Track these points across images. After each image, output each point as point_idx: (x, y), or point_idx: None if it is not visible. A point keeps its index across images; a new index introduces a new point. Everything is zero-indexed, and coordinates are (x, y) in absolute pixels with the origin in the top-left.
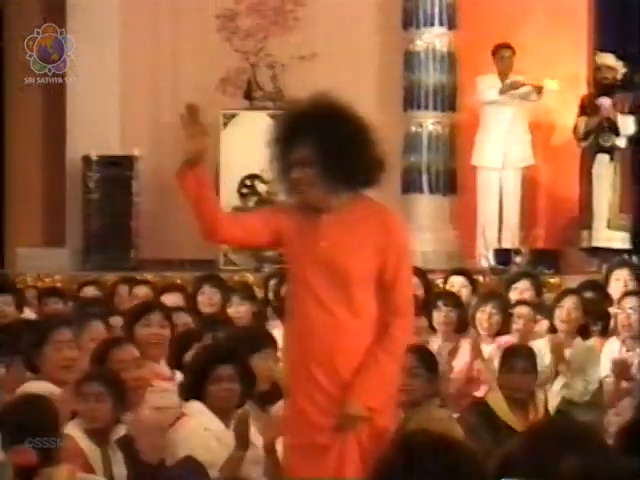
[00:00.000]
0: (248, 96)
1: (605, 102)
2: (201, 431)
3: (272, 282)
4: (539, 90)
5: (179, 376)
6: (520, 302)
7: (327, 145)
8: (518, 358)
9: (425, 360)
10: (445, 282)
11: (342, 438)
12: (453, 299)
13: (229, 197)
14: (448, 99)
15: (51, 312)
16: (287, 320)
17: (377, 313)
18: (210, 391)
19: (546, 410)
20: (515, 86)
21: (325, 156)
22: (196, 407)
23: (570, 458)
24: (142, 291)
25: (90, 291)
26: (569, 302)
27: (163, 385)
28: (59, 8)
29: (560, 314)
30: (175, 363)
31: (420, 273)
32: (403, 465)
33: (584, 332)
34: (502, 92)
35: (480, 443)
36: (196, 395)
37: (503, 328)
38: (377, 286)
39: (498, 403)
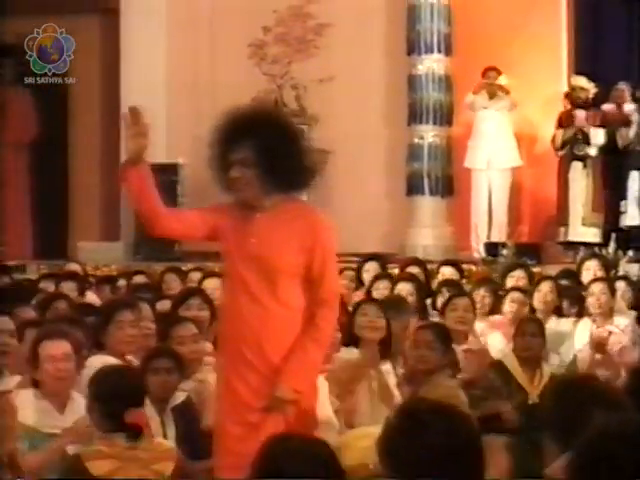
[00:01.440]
0: None
1: (580, 114)
2: None
3: None
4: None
5: None
6: (514, 288)
7: (265, 149)
8: (529, 325)
9: (440, 335)
10: (437, 271)
11: (272, 417)
12: (454, 285)
13: None
14: (445, 115)
15: (111, 297)
16: (221, 310)
17: (304, 304)
18: None
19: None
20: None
21: (262, 159)
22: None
23: (600, 413)
24: (193, 277)
25: (140, 279)
26: (545, 287)
27: (207, 359)
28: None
29: (538, 297)
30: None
31: (420, 263)
32: (407, 428)
33: (559, 313)
34: (475, 92)
35: (497, 395)
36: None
37: (495, 309)
38: (305, 281)
39: (512, 363)
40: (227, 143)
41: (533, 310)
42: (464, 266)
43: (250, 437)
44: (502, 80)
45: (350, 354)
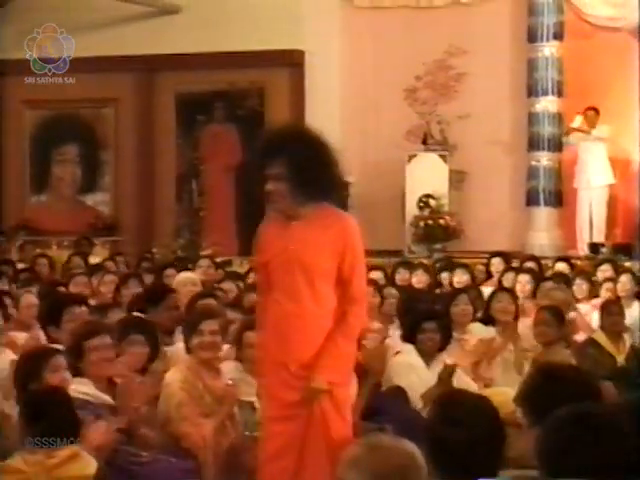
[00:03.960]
0: (424, 142)
1: None
2: (407, 366)
3: (438, 265)
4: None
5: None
6: (606, 279)
7: (297, 164)
8: (613, 306)
9: (555, 315)
10: (552, 266)
11: (308, 409)
12: (563, 277)
13: (411, 209)
14: (557, 144)
15: None
16: (262, 310)
17: (336, 303)
18: (419, 338)
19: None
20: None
21: (293, 173)
22: (408, 348)
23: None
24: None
25: None
26: (625, 278)
27: (374, 336)
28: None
29: (620, 286)
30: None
31: (536, 259)
32: (545, 384)
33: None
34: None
35: (593, 365)
36: (410, 340)
37: (592, 294)
38: (336, 281)
39: (602, 338)
40: (263, 159)
41: (618, 296)
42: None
43: (288, 428)
44: (600, 117)
45: (485, 331)
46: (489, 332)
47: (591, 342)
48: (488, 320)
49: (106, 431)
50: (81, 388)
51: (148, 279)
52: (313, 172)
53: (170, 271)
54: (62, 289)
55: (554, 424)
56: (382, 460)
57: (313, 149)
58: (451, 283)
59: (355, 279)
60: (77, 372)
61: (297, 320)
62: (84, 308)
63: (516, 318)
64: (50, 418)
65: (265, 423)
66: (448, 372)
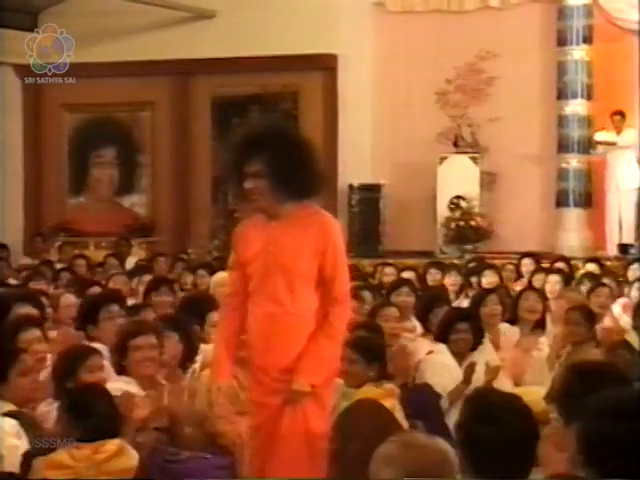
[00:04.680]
0: (455, 145)
1: None
2: (440, 365)
3: (470, 265)
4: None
5: (419, 328)
6: (637, 279)
7: (277, 161)
8: None
9: (586, 315)
10: (582, 266)
11: (287, 412)
12: (593, 277)
13: (442, 210)
14: (586, 146)
15: None
16: (229, 312)
17: (318, 304)
18: (451, 338)
19: None
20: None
21: (275, 170)
22: (441, 347)
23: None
24: (389, 270)
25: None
26: None
27: (409, 335)
28: None
29: None
30: (421, 319)
31: (566, 259)
32: (580, 383)
33: None
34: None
35: (625, 366)
36: (443, 340)
37: (620, 294)
38: (318, 282)
39: (633, 338)
40: (241, 156)
41: None
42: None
43: (268, 430)
44: (626, 120)
45: (512, 331)
46: (516, 332)
47: (622, 343)
48: (515, 320)
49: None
50: (124, 386)
51: (188, 279)
52: (294, 170)
53: (202, 271)
54: (99, 289)
55: (596, 415)
56: (416, 457)
57: (294, 146)
58: (480, 284)
59: (337, 279)
60: (121, 370)
61: (277, 323)
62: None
63: (543, 317)
64: (94, 413)
65: (252, 433)
66: (471, 371)
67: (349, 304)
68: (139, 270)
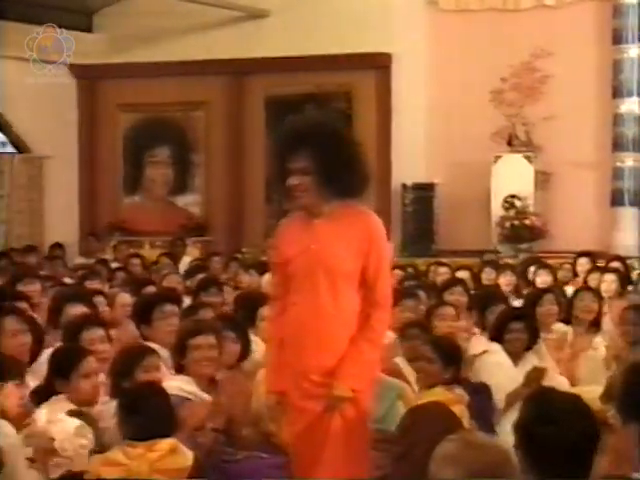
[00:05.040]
0: (509, 144)
1: None
2: (495, 365)
3: (527, 265)
4: None
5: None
6: None
7: (323, 158)
8: None
9: None
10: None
11: (328, 417)
12: None
13: (497, 210)
14: None
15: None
16: (276, 314)
17: (359, 307)
18: (506, 338)
19: None
20: None
21: (321, 167)
22: (496, 347)
23: None
24: (443, 270)
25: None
26: None
27: (464, 334)
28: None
29: None
30: (478, 318)
31: (621, 259)
32: (638, 381)
33: None
34: None
35: None
36: (498, 339)
37: None
38: (360, 283)
39: None
40: (286, 152)
41: None
42: None
43: (307, 437)
44: None
45: (567, 331)
46: (571, 332)
47: None
48: (570, 320)
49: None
50: (183, 386)
51: (243, 278)
52: (340, 167)
53: (252, 271)
54: (154, 288)
55: None
56: (477, 456)
57: (341, 143)
58: (534, 283)
59: (380, 281)
60: (180, 369)
61: (318, 324)
62: (175, 306)
63: (599, 317)
64: (147, 412)
65: (292, 438)
66: (537, 375)
67: (390, 308)
68: (194, 269)
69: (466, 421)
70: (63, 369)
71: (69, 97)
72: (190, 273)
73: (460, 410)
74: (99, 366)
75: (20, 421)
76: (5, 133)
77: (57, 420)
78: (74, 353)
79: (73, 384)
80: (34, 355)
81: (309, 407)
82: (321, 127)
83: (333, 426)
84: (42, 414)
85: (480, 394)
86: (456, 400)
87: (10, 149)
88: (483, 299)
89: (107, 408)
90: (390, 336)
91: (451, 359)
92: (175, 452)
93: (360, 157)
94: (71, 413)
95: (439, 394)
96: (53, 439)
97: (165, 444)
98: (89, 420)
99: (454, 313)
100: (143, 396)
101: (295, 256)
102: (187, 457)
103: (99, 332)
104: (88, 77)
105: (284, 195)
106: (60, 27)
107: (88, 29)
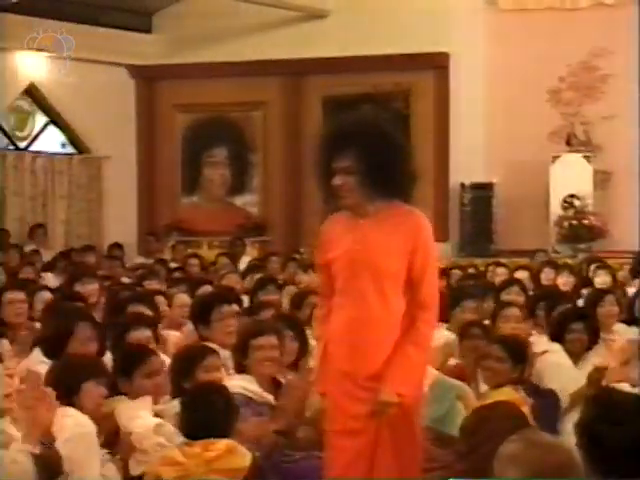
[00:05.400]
0: (568, 143)
1: None
2: (556, 365)
3: (588, 265)
4: None
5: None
6: None
7: (368, 157)
8: None
9: None
10: None
11: (375, 422)
12: None
13: (555, 209)
14: None
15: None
16: (324, 316)
17: (405, 308)
18: (567, 338)
19: None
20: None
21: (365, 167)
22: (555, 347)
23: None
24: (501, 270)
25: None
26: None
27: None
28: None
29: None
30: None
31: None
32: None
33: None
34: None
35: None
36: (558, 339)
37: None
38: (406, 284)
39: None
40: (330, 151)
41: None
42: None
43: (354, 445)
44: None
45: (629, 331)
46: (633, 332)
47: None
48: (632, 320)
49: (259, 427)
50: (246, 385)
51: (302, 278)
52: (385, 167)
53: (311, 271)
54: (211, 288)
55: None
56: (541, 457)
57: (386, 142)
58: (592, 283)
59: (425, 281)
60: (242, 369)
61: (364, 327)
62: (234, 306)
63: None
64: (208, 410)
65: (331, 437)
66: (598, 374)
67: (437, 309)
68: (252, 269)
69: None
70: (126, 368)
71: (128, 98)
72: (248, 272)
73: (527, 411)
74: (162, 367)
75: (99, 419)
76: (65, 134)
77: (137, 417)
78: (138, 353)
79: (136, 383)
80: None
81: (352, 409)
82: (366, 126)
83: (378, 431)
84: (122, 412)
85: (543, 397)
86: (522, 401)
87: (70, 149)
88: (548, 299)
89: (168, 407)
90: (449, 336)
91: (520, 358)
92: (232, 452)
93: (406, 156)
94: None
95: (508, 394)
96: (131, 434)
97: (222, 444)
98: None
99: (519, 314)
100: (204, 394)
101: (339, 256)
102: (245, 458)
103: (146, 333)
104: (147, 78)
105: (328, 195)
106: (117, 28)
107: (147, 30)
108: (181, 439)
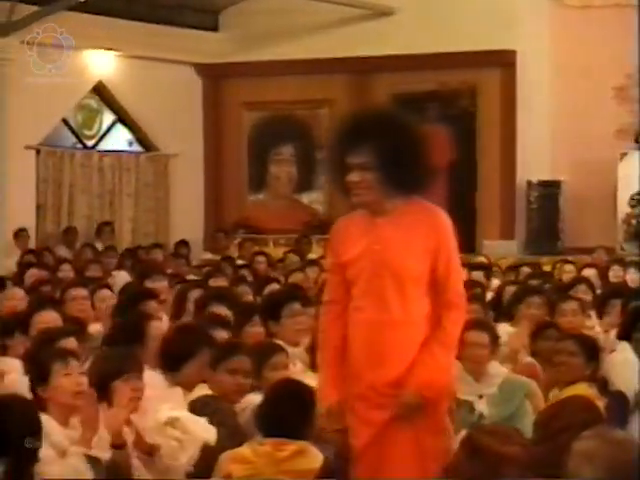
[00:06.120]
0: (636, 140)
1: None
2: (624, 363)
3: None
4: None
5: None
6: None
7: (385, 152)
8: None
9: None
10: None
11: (397, 428)
12: None
13: (623, 207)
14: None
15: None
16: (334, 319)
17: (430, 309)
18: (635, 337)
19: None
20: None
21: (383, 163)
22: (624, 345)
23: None
24: (569, 268)
25: (528, 270)
26: None
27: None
28: None
29: None
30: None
31: None
32: None
33: None
34: None
35: None
36: (626, 337)
37: None
38: (429, 284)
39: None
40: (346, 146)
41: None
42: None
43: (375, 451)
44: None
45: None
46: None
47: None
48: None
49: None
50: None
51: None
52: (404, 162)
53: None
54: (277, 286)
55: None
56: (617, 453)
57: (404, 136)
58: None
59: (451, 280)
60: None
61: (385, 331)
62: (303, 305)
63: None
64: (283, 410)
65: (357, 450)
66: None
67: (464, 308)
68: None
69: None
70: (212, 361)
71: (195, 96)
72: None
73: (601, 406)
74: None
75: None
76: (132, 132)
77: (156, 411)
78: (227, 347)
79: (217, 377)
80: None
81: (376, 418)
82: (382, 120)
83: (402, 438)
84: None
85: (612, 397)
86: (598, 398)
87: (137, 148)
88: (619, 296)
89: (247, 405)
90: (520, 333)
91: (592, 355)
92: (303, 453)
93: (424, 150)
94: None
95: (583, 390)
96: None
97: (294, 445)
98: (227, 414)
99: (575, 307)
100: (275, 395)
101: (357, 257)
102: (316, 459)
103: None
104: (213, 76)
105: (344, 192)
106: (184, 26)
107: (214, 28)
108: (206, 434)
